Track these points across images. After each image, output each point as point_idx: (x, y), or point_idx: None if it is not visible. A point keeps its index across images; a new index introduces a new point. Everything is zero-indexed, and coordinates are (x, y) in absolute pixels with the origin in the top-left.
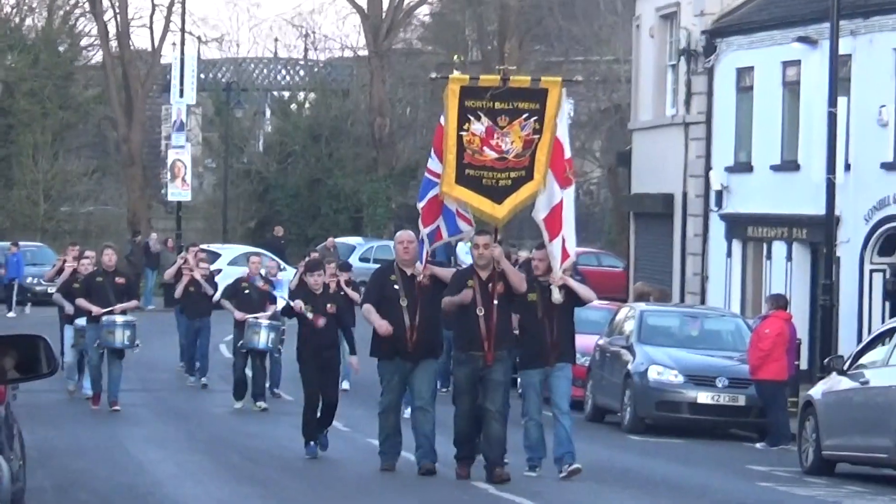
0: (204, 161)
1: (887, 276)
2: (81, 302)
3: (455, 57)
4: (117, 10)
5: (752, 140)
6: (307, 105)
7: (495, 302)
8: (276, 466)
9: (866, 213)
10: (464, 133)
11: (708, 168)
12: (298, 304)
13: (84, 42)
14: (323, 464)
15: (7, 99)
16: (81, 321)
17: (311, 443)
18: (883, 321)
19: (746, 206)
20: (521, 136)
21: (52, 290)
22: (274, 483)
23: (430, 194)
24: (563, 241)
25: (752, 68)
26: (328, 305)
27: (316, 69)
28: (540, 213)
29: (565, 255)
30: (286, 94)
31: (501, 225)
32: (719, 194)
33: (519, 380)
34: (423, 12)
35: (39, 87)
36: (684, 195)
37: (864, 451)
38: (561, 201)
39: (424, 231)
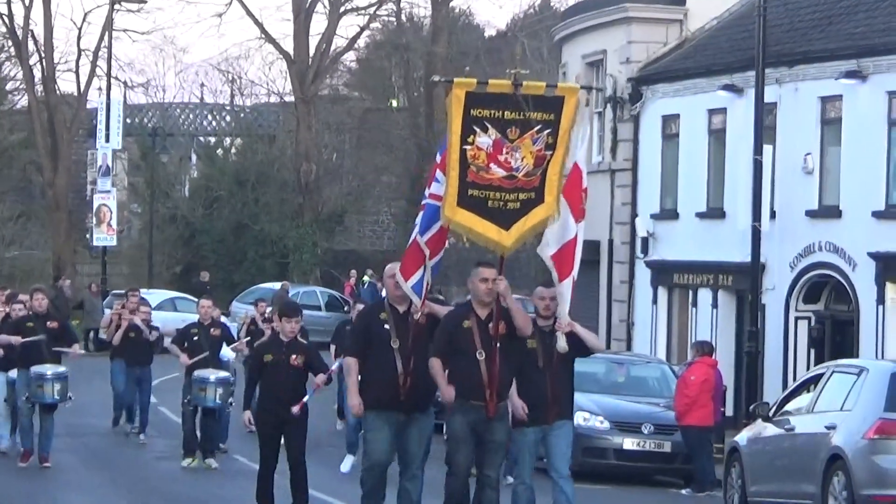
0: (130, 206)
1: (812, 323)
2: (2, 337)
3: (390, 101)
4: (43, 55)
5: (678, 187)
6: (233, 150)
7: (497, 345)
8: None
9: (791, 261)
10: (468, 147)
11: (634, 215)
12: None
13: (9, 86)
14: None
15: None
16: (14, 373)
17: None
18: (808, 368)
19: (672, 253)
20: (532, 151)
21: None
22: None
23: (438, 224)
24: (574, 282)
25: (677, 115)
26: (293, 356)
27: (242, 114)
28: (549, 249)
29: (572, 297)
30: (212, 139)
31: (508, 254)
32: (645, 241)
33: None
34: (350, 58)
35: None
36: (610, 242)
37: (790, 497)
38: (575, 237)
39: (430, 263)
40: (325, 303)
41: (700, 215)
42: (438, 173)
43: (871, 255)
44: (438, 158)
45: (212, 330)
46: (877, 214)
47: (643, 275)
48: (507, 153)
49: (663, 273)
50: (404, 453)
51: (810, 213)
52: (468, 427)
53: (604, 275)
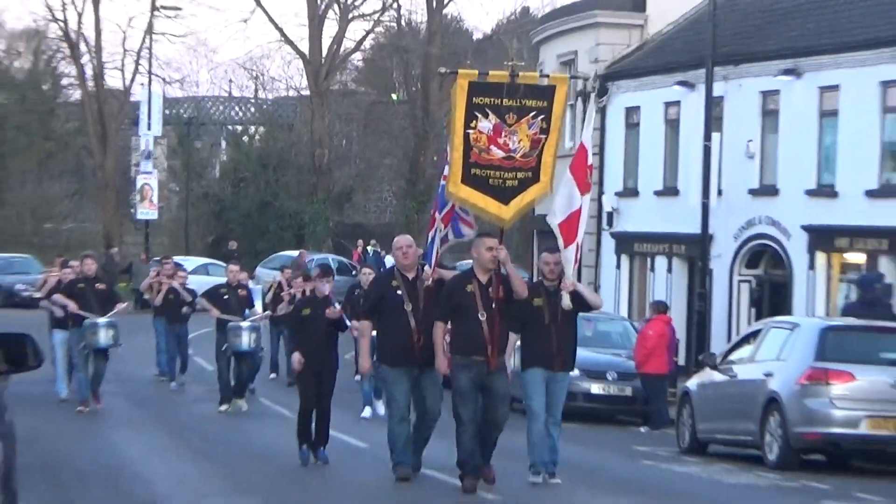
0: (168, 185)
1: (753, 285)
2: (58, 297)
3: (392, 95)
4: (93, 55)
5: (638, 169)
6: (257, 137)
7: (496, 307)
8: (234, 448)
9: (735, 232)
10: (470, 131)
11: (600, 192)
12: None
13: (64, 82)
14: (290, 455)
15: None
16: (65, 333)
17: (304, 446)
18: (749, 324)
19: (633, 225)
20: (528, 134)
21: (37, 295)
22: (232, 463)
23: (451, 204)
24: (578, 247)
25: (638, 107)
26: (328, 308)
27: (265, 106)
28: (556, 218)
29: (576, 261)
30: (239, 127)
31: (507, 226)
32: (610, 215)
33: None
34: (357, 58)
35: (26, 122)
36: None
37: (732, 433)
38: (580, 208)
39: (441, 234)
40: (335, 268)
41: (657, 193)
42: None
43: (803, 227)
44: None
45: (238, 291)
46: (809, 192)
47: (608, 244)
48: (505, 136)
49: (625, 243)
50: (421, 400)
51: (752, 192)
52: (472, 383)
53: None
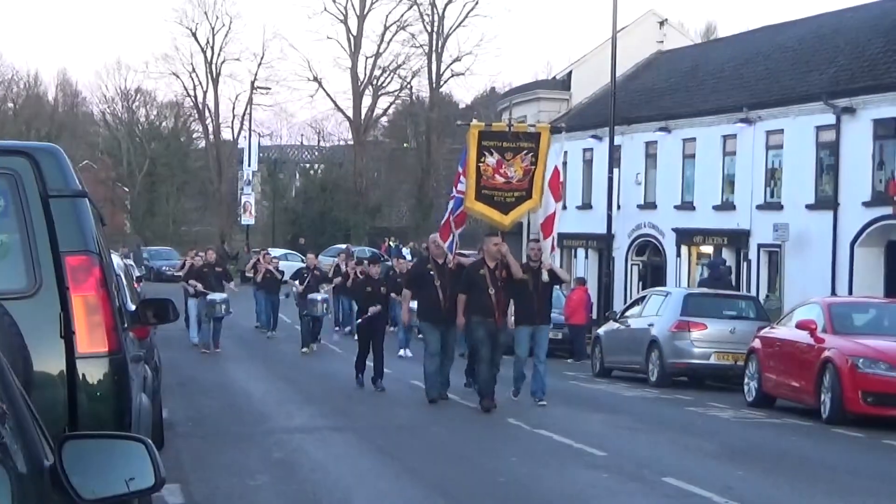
0: (261, 202)
1: (640, 267)
2: (192, 281)
3: (405, 144)
4: (213, 118)
5: (567, 191)
6: (319, 171)
7: (500, 284)
8: (305, 374)
9: (629, 232)
10: (481, 164)
11: (541, 207)
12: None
13: (195, 136)
14: (342, 379)
15: (152, 167)
16: (195, 301)
17: (360, 375)
18: (638, 292)
19: (564, 228)
20: (521, 166)
21: (177, 274)
22: (303, 383)
23: (461, 209)
24: (553, 239)
25: (566, 152)
26: (382, 287)
27: (324, 151)
28: (539, 220)
29: (552, 248)
30: (307, 165)
31: (506, 230)
32: None
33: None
34: (384, 120)
35: (170, 161)
36: (529, 222)
37: (627, 363)
38: (554, 212)
39: (457, 232)
40: (368, 256)
41: (578, 207)
42: (462, 178)
43: (673, 229)
44: (461, 168)
45: (314, 272)
46: (676, 207)
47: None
48: (505, 168)
49: (559, 240)
50: (446, 347)
51: (639, 206)
52: (487, 334)
53: (525, 241)
